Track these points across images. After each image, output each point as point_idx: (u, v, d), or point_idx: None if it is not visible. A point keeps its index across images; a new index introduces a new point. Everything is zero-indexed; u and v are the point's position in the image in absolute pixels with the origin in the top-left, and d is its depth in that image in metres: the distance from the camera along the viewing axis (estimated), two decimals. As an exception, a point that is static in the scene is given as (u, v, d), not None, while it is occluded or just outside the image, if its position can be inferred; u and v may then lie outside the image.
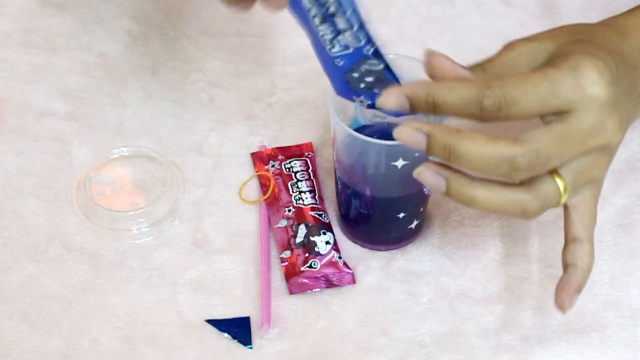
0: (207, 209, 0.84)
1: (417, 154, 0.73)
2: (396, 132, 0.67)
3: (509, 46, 0.72)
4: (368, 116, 0.79)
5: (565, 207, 0.71)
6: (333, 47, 0.71)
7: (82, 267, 0.80)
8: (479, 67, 0.71)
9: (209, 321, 0.77)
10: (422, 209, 0.80)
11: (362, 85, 0.73)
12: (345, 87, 0.73)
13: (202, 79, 0.93)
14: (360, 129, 0.78)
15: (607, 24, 0.74)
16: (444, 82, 0.68)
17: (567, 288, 0.71)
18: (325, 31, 0.70)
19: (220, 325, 0.76)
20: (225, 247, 0.81)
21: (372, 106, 0.74)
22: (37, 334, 0.76)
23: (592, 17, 0.97)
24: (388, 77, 0.71)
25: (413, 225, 0.80)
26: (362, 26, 0.69)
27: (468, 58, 0.96)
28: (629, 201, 0.83)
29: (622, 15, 0.75)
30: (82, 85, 0.93)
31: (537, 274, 0.79)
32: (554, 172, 0.67)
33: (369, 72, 0.71)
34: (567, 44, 0.69)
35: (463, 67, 0.70)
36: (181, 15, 0.99)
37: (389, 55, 0.73)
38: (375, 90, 0.72)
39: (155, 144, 0.88)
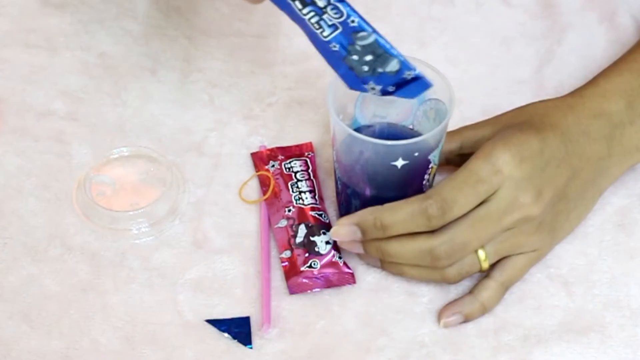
0: (207, 209, 0.84)
1: (416, 154, 0.73)
2: (332, 233, 0.77)
3: (457, 133, 0.80)
4: (368, 116, 0.80)
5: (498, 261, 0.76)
6: (323, 30, 0.71)
7: (82, 267, 0.80)
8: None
9: (209, 321, 0.77)
10: (422, 209, 0.79)
11: (366, 69, 0.73)
12: (353, 76, 0.73)
13: (202, 79, 0.93)
14: (360, 129, 0.78)
15: (564, 97, 0.80)
16: (388, 205, 0.74)
17: (454, 306, 0.76)
18: (309, 14, 0.71)
19: (220, 325, 0.76)
20: (225, 247, 0.81)
21: (385, 92, 0.74)
22: (37, 334, 0.76)
23: (592, 17, 0.98)
24: (383, 48, 0.72)
25: (413, 225, 0.80)
26: None
27: (468, 58, 0.96)
28: (629, 201, 0.83)
29: (584, 85, 0.81)
30: (82, 85, 0.93)
31: (537, 274, 0.79)
32: None
33: (365, 49, 0.72)
34: (498, 132, 0.76)
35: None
36: (181, 15, 0.99)
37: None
38: (380, 70, 0.72)
39: (155, 144, 0.88)
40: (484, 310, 0.76)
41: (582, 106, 0.79)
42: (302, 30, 0.73)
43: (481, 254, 0.74)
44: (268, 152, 0.87)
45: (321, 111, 0.90)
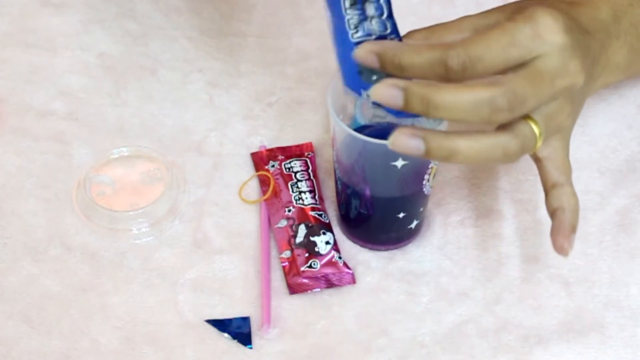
0: (207, 209, 0.84)
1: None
2: (372, 91, 0.68)
3: (459, 18, 0.74)
4: (368, 116, 0.80)
5: (538, 160, 0.73)
6: (357, 32, 0.71)
7: (82, 267, 0.80)
8: (423, 31, 0.74)
9: (209, 321, 0.77)
10: (422, 209, 0.80)
11: (374, 78, 0.72)
12: (356, 79, 0.73)
13: (202, 79, 0.93)
14: (360, 129, 0.78)
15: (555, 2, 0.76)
16: (412, 46, 0.69)
17: (562, 230, 0.72)
18: (352, 15, 0.70)
19: (220, 325, 0.76)
20: (225, 247, 0.81)
21: (377, 103, 0.74)
22: (37, 334, 0.76)
23: (592, 17, 0.97)
24: None
25: (413, 225, 0.80)
26: (390, 15, 0.70)
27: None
28: (629, 201, 0.83)
29: None
30: (82, 85, 0.93)
31: (537, 273, 0.79)
32: (527, 117, 0.69)
33: None
34: (516, 9, 0.71)
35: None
36: (181, 15, 0.99)
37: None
38: None
39: (155, 144, 0.88)
40: (578, 213, 0.72)
41: (578, 12, 0.75)
42: (326, 21, 0.73)
43: (535, 128, 0.69)
44: (268, 152, 0.87)
45: (321, 111, 0.90)
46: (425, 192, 0.78)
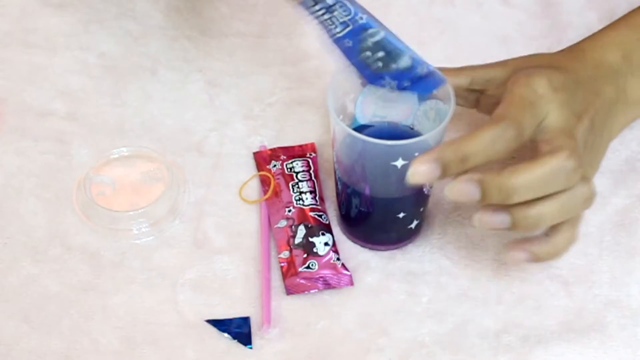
0: (207, 209, 0.84)
1: (416, 154, 0.73)
2: (447, 191, 0.70)
3: (467, 69, 0.80)
4: (368, 116, 0.80)
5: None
6: (336, 27, 0.72)
7: (82, 267, 0.80)
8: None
9: (209, 321, 0.77)
10: (422, 209, 0.80)
11: (380, 65, 0.73)
12: (369, 71, 0.74)
13: (202, 79, 0.93)
14: (360, 129, 0.78)
15: (563, 51, 0.82)
16: (464, 135, 0.70)
17: (525, 243, 0.73)
18: (321, 12, 0.71)
19: (220, 325, 0.76)
20: (225, 247, 0.81)
21: (401, 87, 0.74)
22: (37, 334, 0.76)
23: (592, 16, 0.97)
24: (393, 45, 0.72)
25: (413, 225, 0.80)
26: None
27: (468, 58, 0.96)
28: (629, 201, 0.83)
29: (578, 42, 0.83)
30: (82, 85, 0.93)
31: (537, 274, 0.79)
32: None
33: (376, 46, 0.72)
34: (511, 74, 0.76)
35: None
36: (181, 15, 0.99)
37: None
38: (393, 66, 0.73)
39: (155, 144, 0.88)
40: (556, 253, 0.73)
41: (584, 57, 0.80)
42: (319, 28, 0.74)
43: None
44: (270, 152, 0.87)
45: (321, 111, 0.90)
46: (425, 192, 0.78)
